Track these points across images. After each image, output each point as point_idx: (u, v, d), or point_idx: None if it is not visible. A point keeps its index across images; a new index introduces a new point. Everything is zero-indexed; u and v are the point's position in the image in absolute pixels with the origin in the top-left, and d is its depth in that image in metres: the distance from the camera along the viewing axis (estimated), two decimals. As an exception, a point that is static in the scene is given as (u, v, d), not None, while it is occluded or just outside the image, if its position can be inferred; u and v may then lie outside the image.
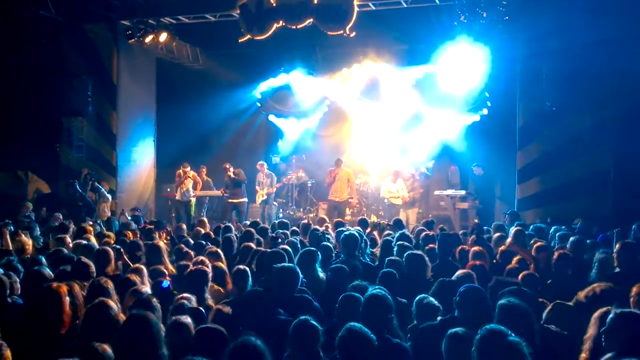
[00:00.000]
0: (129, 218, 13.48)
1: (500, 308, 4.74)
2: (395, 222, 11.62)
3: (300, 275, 5.98)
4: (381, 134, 19.26)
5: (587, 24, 12.45)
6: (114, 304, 5.01)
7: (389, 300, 5.06)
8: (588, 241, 8.67)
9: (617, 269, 6.87)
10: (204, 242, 9.16)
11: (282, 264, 6.19)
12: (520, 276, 6.49)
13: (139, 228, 11.47)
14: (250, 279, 6.54)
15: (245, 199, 16.91)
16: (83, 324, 4.87)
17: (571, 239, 8.52)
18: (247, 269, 6.69)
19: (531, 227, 10.59)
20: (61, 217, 12.96)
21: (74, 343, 4.75)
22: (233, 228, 11.19)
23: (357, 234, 8.06)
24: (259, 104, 20.38)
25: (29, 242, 9.18)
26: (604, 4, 12.42)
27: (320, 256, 7.10)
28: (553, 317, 5.21)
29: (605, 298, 5.24)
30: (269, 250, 7.70)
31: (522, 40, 13.48)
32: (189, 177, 16.40)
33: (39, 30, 15.33)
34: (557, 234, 9.68)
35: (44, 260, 7.44)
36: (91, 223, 12.22)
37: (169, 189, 18.13)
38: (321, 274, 6.84)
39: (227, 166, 16.69)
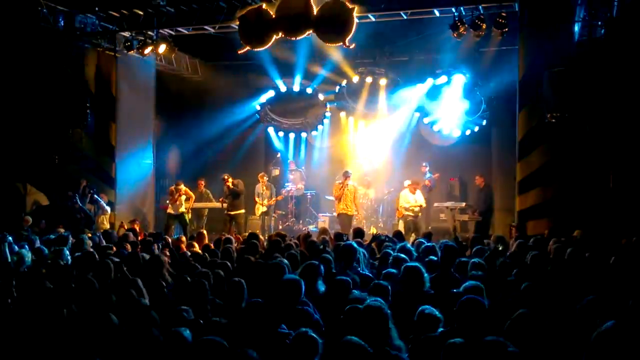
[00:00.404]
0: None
1: (519, 316, 4.76)
2: (395, 234, 11.57)
3: (303, 288, 5.96)
4: (381, 145, 19.28)
5: (585, 32, 12.50)
6: (115, 317, 5.00)
7: (385, 311, 5.02)
8: (586, 254, 8.66)
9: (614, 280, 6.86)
10: (204, 255, 9.14)
11: (288, 276, 6.17)
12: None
13: (140, 240, 11.43)
14: (245, 291, 6.48)
15: (243, 211, 16.82)
16: (86, 334, 4.87)
17: (568, 250, 8.54)
18: (243, 281, 6.63)
19: (531, 239, 10.56)
20: (62, 229, 12.94)
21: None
22: (233, 240, 11.15)
23: (354, 245, 8.02)
24: (258, 115, 20.36)
25: (27, 254, 9.15)
26: (600, 10, 12.45)
27: (323, 269, 7.06)
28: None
29: (597, 309, 5.25)
30: (269, 262, 7.65)
31: (522, 51, 13.47)
32: (182, 194, 16.27)
33: (38, 42, 15.35)
34: (554, 246, 9.66)
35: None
36: (90, 235, 12.18)
37: (167, 201, 18.07)
38: (322, 287, 6.80)
39: (226, 177, 16.63)
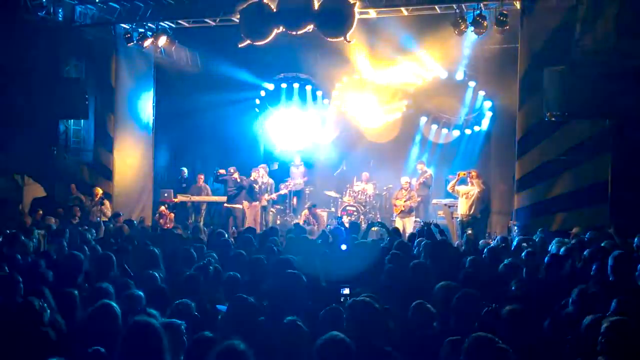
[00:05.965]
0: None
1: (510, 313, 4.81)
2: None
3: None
4: (381, 141, 19.26)
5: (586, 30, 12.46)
6: (118, 308, 5.00)
7: (375, 306, 4.98)
8: (585, 252, 8.65)
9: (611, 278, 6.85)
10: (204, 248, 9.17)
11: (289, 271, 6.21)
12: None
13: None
14: (240, 286, 6.49)
15: (241, 205, 16.74)
16: (87, 325, 4.87)
17: (562, 248, 8.57)
18: (238, 275, 6.64)
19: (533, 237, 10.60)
20: (53, 221, 12.96)
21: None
22: (227, 234, 11.13)
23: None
24: (257, 110, 20.30)
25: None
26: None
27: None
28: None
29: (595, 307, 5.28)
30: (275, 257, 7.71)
31: (522, 50, 13.44)
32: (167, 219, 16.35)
33: (37, 32, 15.31)
34: (554, 244, 9.67)
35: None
36: (86, 227, 12.22)
37: (166, 194, 18.03)
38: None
39: (232, 170, 16.47)
